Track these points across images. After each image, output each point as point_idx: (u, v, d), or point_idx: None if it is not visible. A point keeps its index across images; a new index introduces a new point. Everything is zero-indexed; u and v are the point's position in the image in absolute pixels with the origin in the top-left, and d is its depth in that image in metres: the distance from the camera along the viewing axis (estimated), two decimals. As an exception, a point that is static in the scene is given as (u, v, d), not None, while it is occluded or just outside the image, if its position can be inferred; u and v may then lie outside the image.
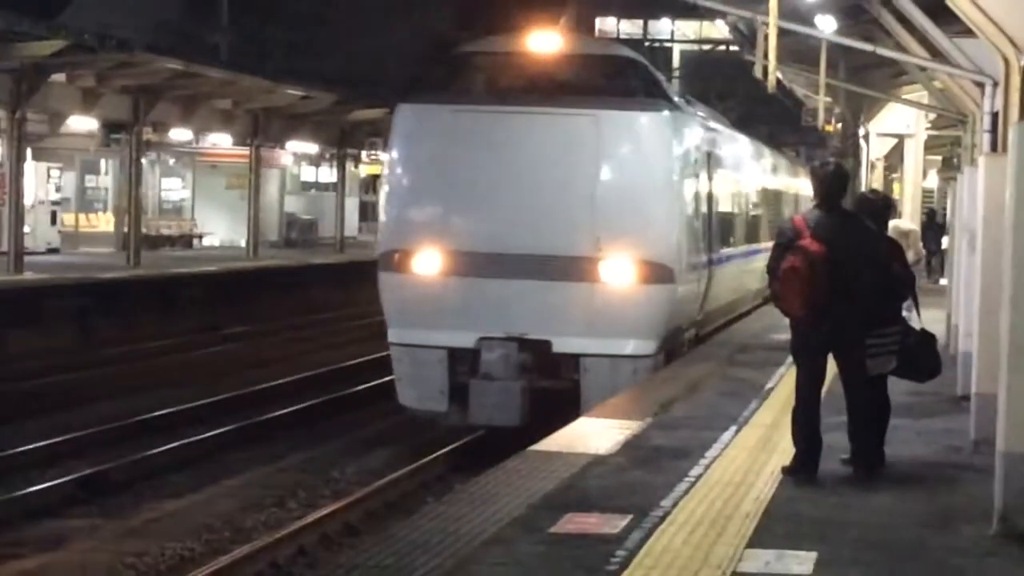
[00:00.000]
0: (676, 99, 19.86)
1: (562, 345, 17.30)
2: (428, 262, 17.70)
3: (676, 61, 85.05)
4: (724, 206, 22.94)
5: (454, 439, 18.68)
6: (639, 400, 14.67)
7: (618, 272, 17.28)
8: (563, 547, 8.69)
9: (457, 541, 8.75)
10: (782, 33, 21.97)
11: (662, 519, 9.46)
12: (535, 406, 16.89)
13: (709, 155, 20.86)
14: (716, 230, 21.44)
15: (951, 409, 13.83)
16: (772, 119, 45.38)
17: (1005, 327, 9.10)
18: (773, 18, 20.66)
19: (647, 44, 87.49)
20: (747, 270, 25.85)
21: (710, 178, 20.95)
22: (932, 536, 9.20)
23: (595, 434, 12.61)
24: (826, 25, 23.54)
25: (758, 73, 26.92)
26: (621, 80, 18.31)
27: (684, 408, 14.25)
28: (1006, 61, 12.52)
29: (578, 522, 9.29)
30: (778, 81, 30.82)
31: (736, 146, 26.96)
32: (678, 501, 10.02)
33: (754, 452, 11.93)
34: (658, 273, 17.34)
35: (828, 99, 32.61)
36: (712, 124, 24.06)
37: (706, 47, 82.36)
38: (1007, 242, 9.12)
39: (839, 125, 36.87)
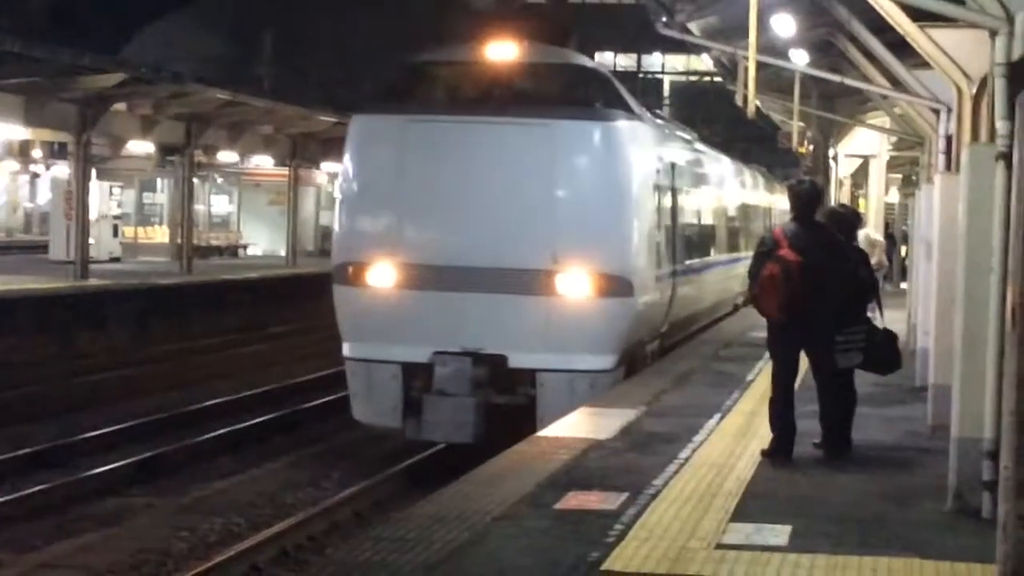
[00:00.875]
0: (637, 110, 17.15)
1: (518, 360, 14.91)
2: (381, 275, 15.32)
3: (667, 91, 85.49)
4: (690, 218, 20.51)
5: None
6: (634, 391, 14.63)
7: (575, 285, 14.89)
8: (566, 521, 8.71)
9: (472, 516, 8.76)
10: (760, 66, 21.90)
11: (654, 496, 9.49)
12: (491, 422, 14.63)
13: (674, 167, 18.41)
14: (681, 242, 19.02)
15: (911, 399, 13.82)
16: (752, 142, 45.33)
17: (958, 326, 9.15)
18: (752, 53, 20.61)
19: (640, 76, 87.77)
20: (715, 281, 23.88)
21: (675, 190, 18.53)
22: (894, 511, 9.21)
23: (595, 421, 12.60)
24: (799, 58, 23.45)
25: (739, 101, 26.84)
26: (579, 89, 15.80)
27: (674, 398, 14.25)
28: (959, 90, 12.50)
29: (580, 499, 9.32)
30: (757, 108, 30.64)
31: (704, 160, 24.78)
32: (669, 480, 10.04)
33: (736, 437, 11.94)
34: (616, 286, 14.94)
35: (801, 124, 32.52)
36: (678, 137, 21.94)
37: (693, 78, 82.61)
38: (959, 251, 9.23)
39: (811, 147, 36.78)
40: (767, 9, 20.33)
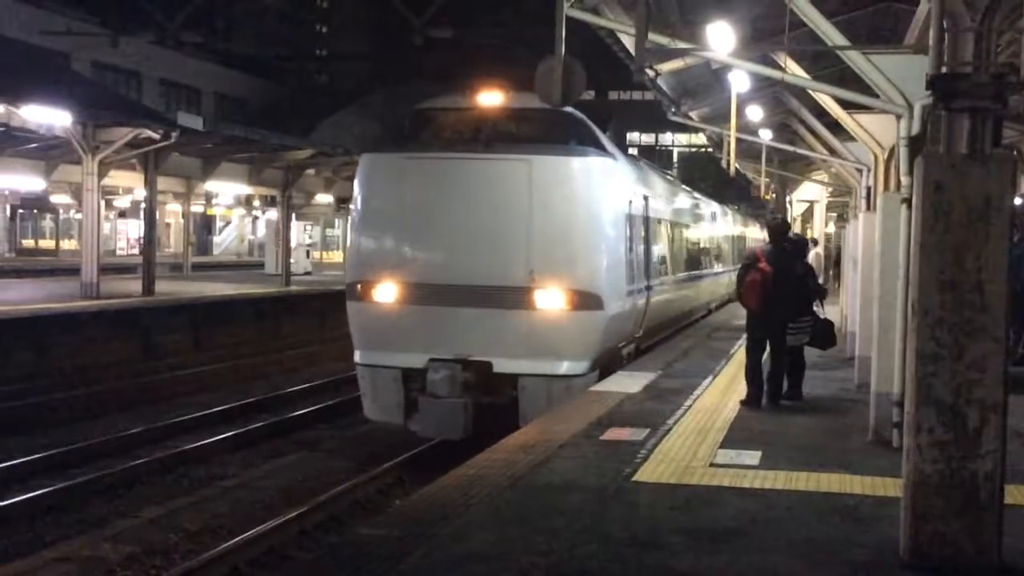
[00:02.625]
0: (611, 149, 14.35)
1: (502, 366, 12.48)
2: (385, 292, 12.96)
3: (675, 158, 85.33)
4: (662, 241, 17.26)
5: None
6: (653, 361, 14.53)
7: (550, 300, 12.44)
8: (609, 448, 8.68)
9: (544, 445, 8.75)
10: (738, 140, 21.84)
11: (667, 431, 9.43)
12: (479, 419, 12.42)
13: (647, 199, 15.49)
14: (655, 261, 16.01)
15: (844, 366, 13.66)
16: (733, 191, 44.97)
17: (875, 316, 9.16)
18: (732, 132, 20.57)
19: (657, 148, 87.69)
20: (687, 293, 20.35)
21: (647, 218, 15.45)
22: (832, 441, 9.12)
23: (627, 381, 12.51)
24: (765, 135, 23.33)
25: (724, 164, 26.81)
26: (556, 130, 13.15)
27: (681, 365, 14.16)
28: (875, 156, 12.43)
29: (617, 433, 9.29)
30: (736, 169, 30.45)
31: (679, 195, 21.42)
32: (677, 421, 9.98)
33: (723, 391, 11.85)
34: (587, 300, 12.43)
35: (767, 179, 32.31)
36: (654, 176, 18.73)
37: (694, 149, 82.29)
38: (876, 265, 9.23)
39: (774, 195, 36.57)
40: (743, 102, 20.29)
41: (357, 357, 13.30)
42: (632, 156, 19.79)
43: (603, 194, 12.90)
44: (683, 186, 25.04)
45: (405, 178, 12.95)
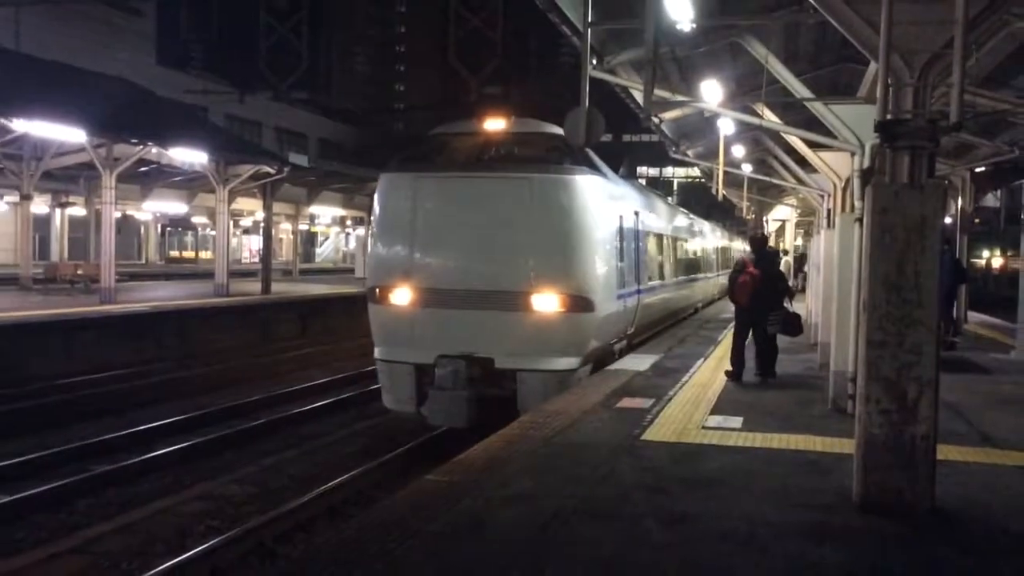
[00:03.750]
0: (604, 170, 12.92)
1: (503, 362, 11.21)
2: (400, 296, 11.65)
3: (675, 187, 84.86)
4: (652, 250, 15.54)
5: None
6: (657, 346, 14.43)
7: (547, 303, 11.12)
8: (622, 414, 8.62)
9: (570, 411, 8.71)
10: (725, 172, 21.67)
11: (668, 401, 9.36)
12: (483, 409, 11.14)
13: (637, 214, 13.94)
14: (645, 268, 14.35)
15: (809, 350, 13.51)
16: (720, 211, 44.59)
17: (833, 310, 9.06)
18: (721, 166, 20.40)
19: (661, 179, 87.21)
20: (675, 294, 18.43)
21: (638, 230, 13.91)
22: (799, 410, 9.00)
23: (637, 361, 12.44)
24: (747, 168, 23.15)
25: (714, 191, 26.58)
26: (553, 152, 11.79)
27: (679, 349, 14.05)
28: (834, 184, 12.29)
29: (629, 402, 9.22)
30: (724, 195, 30.20)
31: (668, 212, 19.44)
32: (676, 392, 9.90)
33: (712, 370, 11.75)
34: (579, 303, 11.12)
35: (748, 203, 32.04)
36: (643, 194, 16.59)
37: (690, 179, 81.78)
38: (834, 270, 9.10)
39: (753, 215, 36.25)
40: (729, 142, 20.13)
41: (376, 353, 11.95)
42: (632, 180, 18.43)
43: (595, 208, 11.56)
44: (676, 206, 24.09)
45: (417, 194, 11.63)
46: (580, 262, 11.25)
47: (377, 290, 11.79)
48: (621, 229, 12.52)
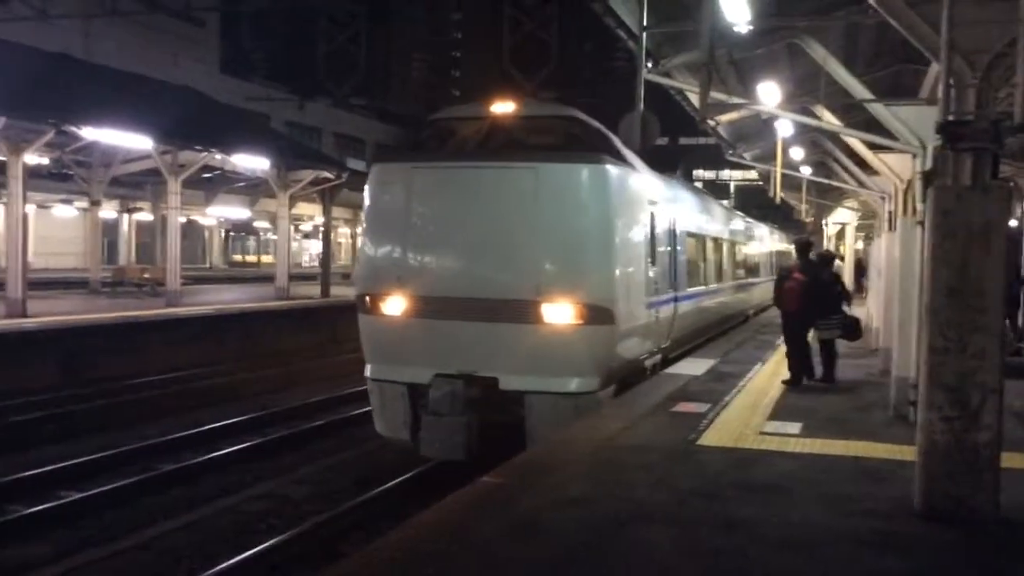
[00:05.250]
0: (631, 159, 10.72)
1: (508, 383, 9.26)
2: (391, 305, 9.67)
3: (732, 189, 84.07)
4: (693, 252, 13.60)
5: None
6: (713, 350, 14.30)
7: (559, 314, 9.15)
8: (679, 418, 8.58)
9: (629, 415, 8.70)
10: (783, 175, 21.39)
11: (725, 406, 9.28)
12: (484, 439, 9.32)
13: (677, 213, 12.31)
14: (682, 272, 12.42)
15: (869, 355, 13.25)
16: (778, 215, 43.94)
17: (895, 315, 8.89)
18: (779, 168, 20.14)
19: (717, 182, 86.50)
20: (721, 301, 16.48)
21: (674, 230, 12.02)
22: (859, 416, 8.86)
23: (693, 365, 12.34)
24: (805, 171, 22.83)
25: (771, 194, 26.27)
26: (564, 136, 9.87)
27: (736, 354, 13.91)
28: (896, 187, 12.08)
29: (685, 406, 9.17)
30: (782, 198, 29.85)
31: (717, 213, 17.42)
32: (733, 397, 9.81)
33: (770, 375, 11.61)
34: (597, 314, 9.16)
35: (806, 206, 31.61)
36: (687, 192, 14.78)
37: (746, 182, 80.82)
38: (896, 274, 8.93)
39: (812, 218, 35.74)
40: (787, 145, 19.85)
41: (366, 371, 10.06)
42: (676, 176, 16.71)
43: (617, 203, 9.62)
44: (726, 206, 22.96)
45: (411, 188, 9.78)
46: (599, 266, 9.41)
47: (367, 298, 9.90)
48: (653, 229, 10.80)
